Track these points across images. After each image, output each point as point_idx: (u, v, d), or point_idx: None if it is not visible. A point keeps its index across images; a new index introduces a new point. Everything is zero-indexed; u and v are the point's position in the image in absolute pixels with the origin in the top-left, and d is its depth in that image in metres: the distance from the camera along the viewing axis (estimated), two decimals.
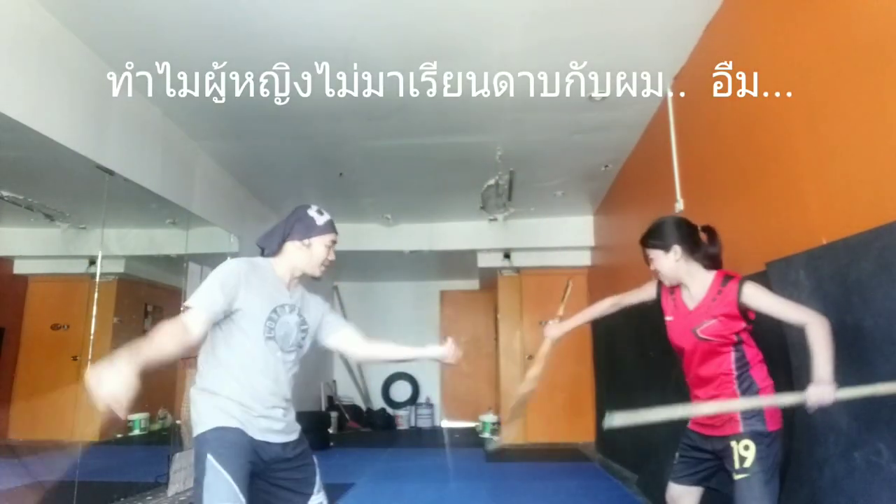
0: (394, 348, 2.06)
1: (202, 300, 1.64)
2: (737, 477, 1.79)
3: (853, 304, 1.80)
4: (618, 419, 1.72)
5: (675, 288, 2.03)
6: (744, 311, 1.85)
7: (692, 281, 1.96)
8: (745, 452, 1.79)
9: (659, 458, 3.86)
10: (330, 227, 1.90)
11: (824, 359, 1.64)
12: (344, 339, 2.01)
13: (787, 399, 1.78)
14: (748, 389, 1.86)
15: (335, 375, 8.85)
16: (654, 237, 2.01)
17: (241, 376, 1.71)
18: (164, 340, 1.52)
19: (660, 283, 2.09)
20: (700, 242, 1.99)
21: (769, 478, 1.77)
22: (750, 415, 1.82)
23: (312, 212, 1.88)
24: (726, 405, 1.85)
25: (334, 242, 1.91)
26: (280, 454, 1.76)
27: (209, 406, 1.68)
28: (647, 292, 2.17)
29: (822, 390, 1.61)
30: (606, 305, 2.32)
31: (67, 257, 5.49)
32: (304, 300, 1.92)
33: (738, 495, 1.78)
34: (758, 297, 1.82)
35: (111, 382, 1.34)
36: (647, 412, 1.80)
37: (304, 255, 1.85)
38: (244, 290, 1.71)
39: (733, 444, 1.82)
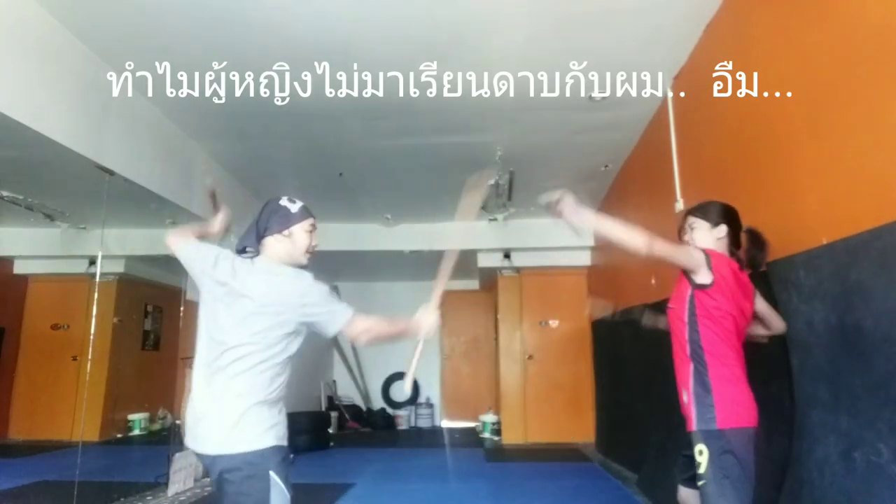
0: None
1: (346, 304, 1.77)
2: (699, 483, 1.72)
3: (853, 304, 1.80)
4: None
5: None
6: (688, 274, 1.85)
7: None
8: (700, 457, 1.72)
9: (659, 459, 3.86)
10: (306, 213, 1.86)
11: (613, 223, 1.87)
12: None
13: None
14: (699, 376, 1.78)
15: (335, 375, 8.85)
16: (707, 209, 2.00)
17: (285, 384, 1.75)
18: (381, 320, 1.84)
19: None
20: (739, 240, 1.99)
21: (726, 476, 1.66)
22: (702, 410, 1.74)
23: (284, 201, 1.85)
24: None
25: (314, 227, 1.87)
26: None
27: (271, 422, 1.66)
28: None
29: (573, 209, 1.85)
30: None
31: (67, 257, 5.49)
32: None
33: (702, 502, 1.72)
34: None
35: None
36: None
37: (287, 245, 1.80)
38: None
39: (695, 446, 1.75)
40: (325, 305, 1.73)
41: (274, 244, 1.80)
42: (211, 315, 1.74)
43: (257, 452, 1.60)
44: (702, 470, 1.70)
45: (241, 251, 1.83)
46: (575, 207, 1.91)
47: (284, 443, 1.68)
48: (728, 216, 1.98)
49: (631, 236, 1.82)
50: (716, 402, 1.73)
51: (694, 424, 1.76)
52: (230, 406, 1.62)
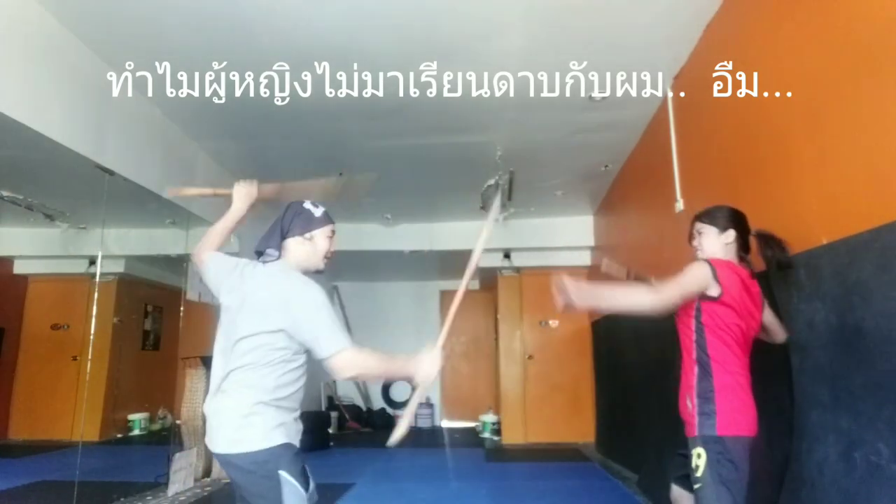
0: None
1: (345, 334, 1.65)
2: (695, 486, 1.75)
3: (853, 304, 1.80)
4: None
5: None
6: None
7: None
8: (697, 460, 1.74)
9: (659, 459, 3.86)
10: (328, 218, 1.89)
11: (619, 291, 1.84)
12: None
13: None
14: (703, 383, 1.80)
15: None
16: (714, 215, 2.00)
17: (300, 395, 1.74)
18: (382, 358, 1.69)
19: None
20: (748, 245, 1.99)
21: (721, 481, 1.68)
22: (704, 417, 1.77)
23: (308, 205, 1.87)
24: None
25: (334, 233, 1.90)
26: None
27: (277, 422, 1.64)
28: None
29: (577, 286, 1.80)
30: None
31: (67, 257, 5.49)
32: None
33: None
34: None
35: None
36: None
37: (308, 248, 1.82)
38: None
39: (692, 450, 1.77)
40: (323, 319, 1.63)
41: (295, 246, 1.82)
42: (226, 318, 1.77)
43: (264, 451, 1.59)
44: (699, 473, 1.72)
45: (261, 252, 1.84)
46: (578, 291, 1.83)
47: (295, 442, 1.67)
48: (736, 221, 1.98)
49: (637, 301, 1.82)
50: (718, 409, 1.76)
51: (696, 430, 1.78)
52: (236, 405, 1.62)
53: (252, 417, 1.60)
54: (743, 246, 1.98)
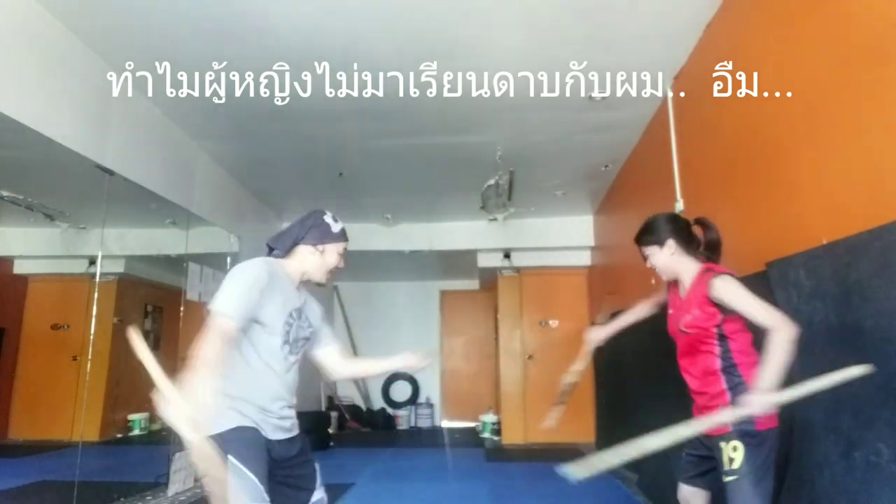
0: (369, 364, 2.16)
1: (234, 308, 1.58)
2: (726, 479, 1.78)
3: (853, 304, 1.80)
4: (580, 470, 1.76)
5: (677, 281, 2.04)
6: (720, 304, 1.85)
7: (685, 273, 1.98)
8: (733, 454, 1.77)
9: (659, 458, 3.86)
10: (344, 236, 1.93)
11: (772, 367, 1.63)
12: (330, 355, 2.04)
13: (727, 416, 1.72)
14: (736, 387, 1.84)
15: None
16: (648, 233, 2.03)
17: (262, 381, 1.72)
18: (219, 361, 1.50)
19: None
20: (694, 236, 2.01)
21: (759, 479, 1.75)
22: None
23: (328, 218, 1.90)
24: (688, 429, 1.75)
25: (346, 250, 1.94)
26: (286, 452, 1.78)
27: (224, 408, 1.63)
28: (664, 289, 2.17)
29: (760, 399, 1.62)
30: (645, 309, 2.30)
31: (67, 257, 5.48)
32: (308, 303, 1.94)
33: (729, 497, 1.77)
34: (728, 292, 1.79)
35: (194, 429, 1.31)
36: (615, 453, 1.81)
37: (316, 259, 1.86)
38: (268, 295, 1.71)
39: (722, 444, 1.81)
40: (224, 287, 1.63)
41: (305, 254, 1.85)
42: None
43: (216, 437, 1.55)
44: (735, 465, 1.76)
45: (272, 248, 1.87)
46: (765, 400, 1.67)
47: (248, 423, 1.64)
48: (668, 228, 1.99)
49: (785, 351, 1.66)
50: None
51: (729, 427, 1.80)
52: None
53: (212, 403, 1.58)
54: (688, 244, 1.98)
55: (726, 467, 1.78)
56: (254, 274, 1.69)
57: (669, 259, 1.98)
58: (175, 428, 1.29)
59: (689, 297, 1.94)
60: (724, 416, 1.74)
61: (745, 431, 1.78)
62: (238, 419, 1.65)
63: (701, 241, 2.03)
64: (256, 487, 1.58)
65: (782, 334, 1.67)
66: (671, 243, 1.97)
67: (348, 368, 2.11)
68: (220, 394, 1.61)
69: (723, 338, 1.87)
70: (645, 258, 2.06)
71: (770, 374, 1.64)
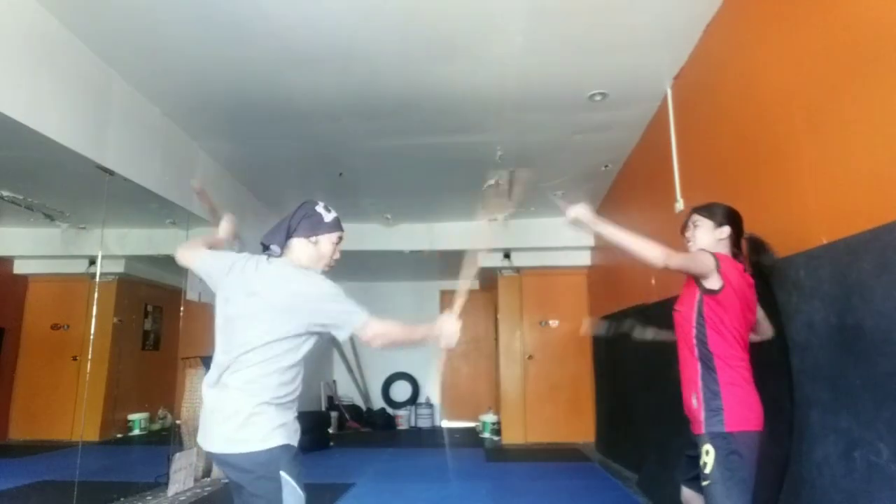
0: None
1: (360, 307, 1.73)
2: (703, 483, 1.76)
3: (853, 304, 1.80)
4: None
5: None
6: (698, 280, 1.85)
7: None
8: (706, 457, 1.75)
9: (659, 459, 3.86)
10: (337, 225, 1.88)
11: (622, 232, 1.86)
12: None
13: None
14: (707, 377, 1.81)
15: (335, 375, 8.85)
16: (711, 208, 2.02)
17: (299, 393, 1.73)
18: (398, 323, 1.79)
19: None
20: (740, 245, 2.01)
21: (731, 478, 1.69)
22: (711, 413, 1.78)
23: (320, 208, 1.86)
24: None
25: (341, 240, 1.89)
26: None
27: (279, 422, 1.63)
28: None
29: (577, 208, 1.91)
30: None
31: (67, 257, 5.48)
32: None
33: (706, 502, 1.75)
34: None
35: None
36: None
37: (311, 251, 1.81)
38: None
39: (701, 447, 1.79)
40: (339, 305, 1.69)
41: (299, 247, 1.81)
42: (224, 315, 1.74)
43: (265, 452, 1.58)
44: (707, 470, 1.73)
45: (266, 246, 1.83)
46: (592, 215, 1.96)
47: (294, 442, 1.67)
48: (732, 219, 1.99)
49: (648, 248, 1.83)
50: (724, 404, 1.76)
51: (702, 427, 1.79)
52: (236, 405, 1.60)
53: (255, 417, 1.59)
54: (735, 244, 1.99)
55: (703, 471, 1.76)
56: (329, 280, 1.76)
57: (715, 242, 1.95)
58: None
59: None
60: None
61: (715, 433, 1.75)
62: (287, 436, 1.64)
63: (744, 257, 2.02)
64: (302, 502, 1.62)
65: (661, 250, 1.80)
66: (727, 230, 1.96)
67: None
68: (272, 404, 1.64)
69: (701, 320, 1.85)
70: (688, 226, 2.04)
71: (613, 229, 1.87)
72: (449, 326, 1.81)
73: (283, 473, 1.58)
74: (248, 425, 1.59)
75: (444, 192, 5.94)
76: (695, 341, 1.86)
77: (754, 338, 2.07)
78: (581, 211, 1.96)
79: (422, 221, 6.95)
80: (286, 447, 1.62)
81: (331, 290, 1.71)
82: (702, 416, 1.79)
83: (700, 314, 1.85)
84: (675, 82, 3.59)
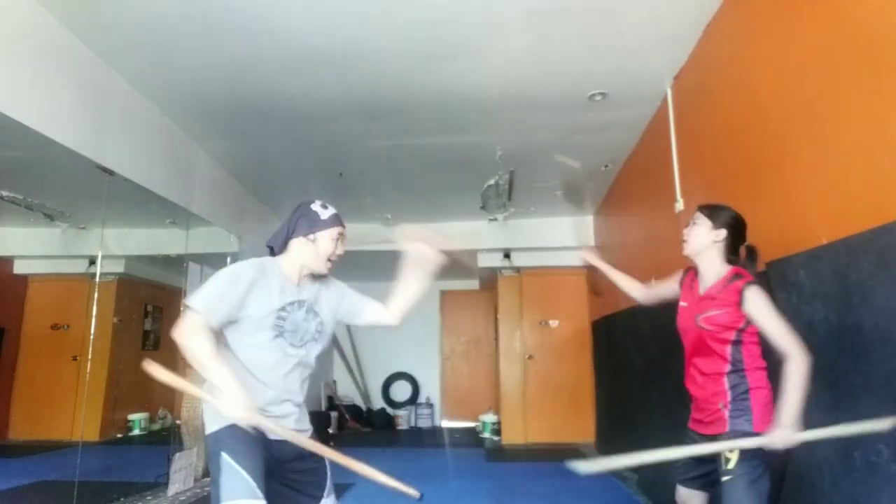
0: (406, 291, 2.09)
1: (205, 304, 1.63)
2: (722, 479, 1.79)
3: (853, 304, 1.80)
4: (587, 465, 1.72)
5: (696, 276, 2.04)
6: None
7: (708, 267, 1.98)
8: (729, 454, 1.78)
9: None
10: (335, 220, 1.87)
11: (793, 400, 1.65)
12: (375, 314, 2.05)
13: (750, 442, 1.73)
14: (737, 388, 1.85)
15: (335, 375, 8.85)
16: (714, 209, 2.02)
17: (252, 378, 1.71)
18: (210, 351, 1.58)
19: (685, 272, 2.11)
20: (738, 251, 2.01)
21: (753, 480, 1.74)
22: (737, 414, 1.83)
23: (316, 206, 1.86)
24: (699, 448, 1.84)
25: (341, 235, 1.89)
26: (292, 454, 1.76)
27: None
28: (673, 280, 2.16)
29: (785, 434, 1.64)
30: (637, 289, 2.40)
31: (67, 257, 5.48)
32: (320, 296, 1.91)
33: (724, 498, 1.78)
34: (756, 305, 1.80)
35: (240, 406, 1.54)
36: (623, 458, 1.81)
37: (310, 250, 1.82)
38: (252, 293, 1.71)
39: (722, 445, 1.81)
40: (205, 286, 1.68)
41: (298, 247, 1.83)
42: None
43: (210, 436, 1.67)
44: (730, 466, 1.77)
45: (271, 248, 1.88)
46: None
47: (241, 423, 1.60)
48: (734, 225, 1.99)
49: (803, 376, 1.70)
50: (753, 407, 1.82)
51: (727, 426, 1.83)
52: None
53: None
54: (732, 250, 1.99)
55: (723, 467, 1.79)
56: (232, 273, 1.71)
57: (710, 243, 1.97)
58: (236, 418, 1.53)
59: (713, 295, 1.92)
60: (743, 443, 1.74)
61: (743, 432, 1.79)
62: (227, 419, 1.63)
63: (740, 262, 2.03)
64: (248, 484, 1.56)
65: (799, 365, 1.68)
66: (723, 233, 1.96)
67: (399, 311, 2.07)
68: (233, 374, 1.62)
69: (738, 342, 1.87)
70: (689, 224, 2.05)
71: (791, 408, 1.65)
72: (229, 401, 1.53)
73: (223, 454, 1.61)
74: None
75: (444, 192, 5.94)
76: (729, 359, 1.88)
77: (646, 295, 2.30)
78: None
79: (422, 221, 6.94)
80: (231, 427, 1.63)
81: (222, 272, 1.72)
82: (727, 417, 1.84)
83: (739, 338, 1.87)
84: (675, 82, 3.59)
